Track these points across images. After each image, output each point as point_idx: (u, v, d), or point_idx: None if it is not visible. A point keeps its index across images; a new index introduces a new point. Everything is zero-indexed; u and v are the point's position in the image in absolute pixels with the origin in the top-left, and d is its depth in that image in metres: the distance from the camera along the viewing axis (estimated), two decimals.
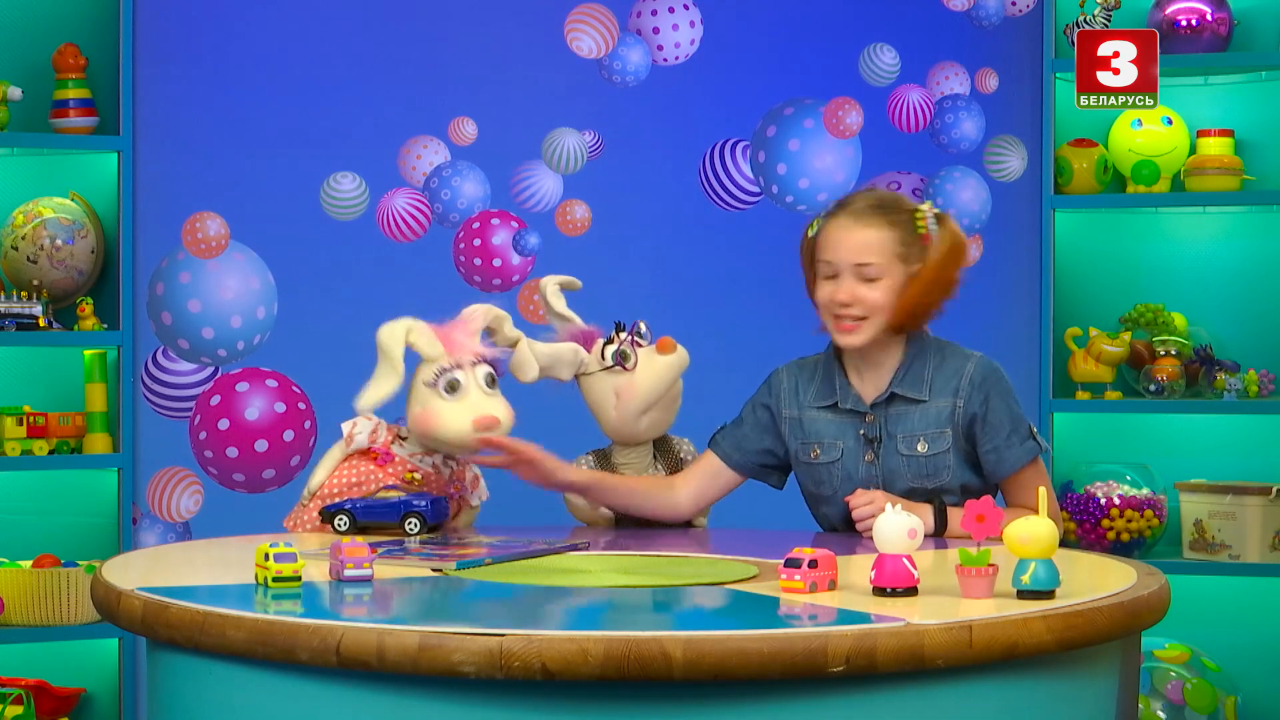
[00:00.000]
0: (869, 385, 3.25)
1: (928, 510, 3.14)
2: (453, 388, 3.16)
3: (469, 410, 3.16)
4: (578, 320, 3.46)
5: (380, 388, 3.15)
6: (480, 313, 3.26)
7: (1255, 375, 4.55)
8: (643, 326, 3.41)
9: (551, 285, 3.48)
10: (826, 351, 3.32)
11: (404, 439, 3.26)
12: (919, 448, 3.19)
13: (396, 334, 3.16)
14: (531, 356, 3.30)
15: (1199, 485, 4.59)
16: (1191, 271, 4.76)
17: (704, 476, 3.36)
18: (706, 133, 4.58)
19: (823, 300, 3.23)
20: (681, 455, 3.47)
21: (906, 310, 3.19)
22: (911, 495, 3.20)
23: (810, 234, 3.27)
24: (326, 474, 3.23)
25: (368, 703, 2.28)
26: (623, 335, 3.38)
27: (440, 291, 4.43)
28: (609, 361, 3.37)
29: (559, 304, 3.47)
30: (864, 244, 3.17)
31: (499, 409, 3.18)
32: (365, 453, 3.24)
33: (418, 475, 3.22)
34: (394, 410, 3.24)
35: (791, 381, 3.33)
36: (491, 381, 3.20)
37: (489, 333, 3.28)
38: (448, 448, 3.21)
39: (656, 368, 3.37)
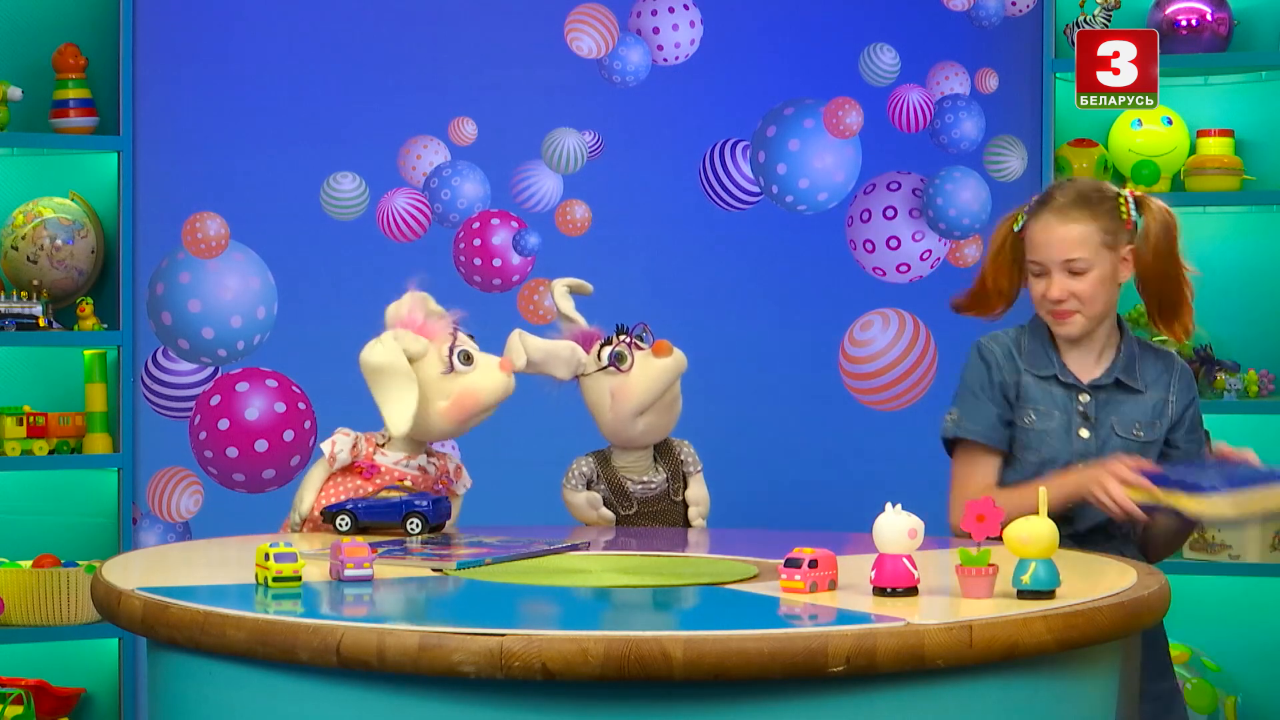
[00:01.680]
0: (1081, 367, 3.31)
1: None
2: (468, 358, 3.19)
3: (489, 366, 3.20)
4: (582, 322, 3.46)
5: (407, 402, 3.13)
6: (419, 301, 3.27)
7: (1255, 375, 4.55)
8: (645, 330, 3.40)
9: (560, 287, 3.49)
10: (1031, 325, 3.34)
11: (382, 446, 3.25)
12: (1136, 433, 3.28)
13: (391, 348, 3.15)
14: (521, 346, 3.30)
15: None
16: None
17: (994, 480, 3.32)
18: (706, 133, 4.58)
19: (1035, 297, 3.29)
20: (681, 457, 3.46)
21: (1158, 308, 3.31)
22: None
23: (1015, 228, 3.31)
24: (314, 495, 3.22)
25: (368, 703, 2.28)
26: (622, 337, 3.38)
27: (440, 291, 4.41)
28: (604, 362, 3.37)
29: (566, 305, 3.47)
30: (1069, 240, 3.23)
31: (497, 356, 3.24)
32: (350, 468, 3.23)
33: (407, 481, 3.22)
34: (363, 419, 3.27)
35: (1004, 349, 3.33)
36: (472, 339, 3.25)
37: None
38: (490, 410, 3.23)
39: (652, 371, 3.36)
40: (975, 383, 3.32)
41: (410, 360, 3.16)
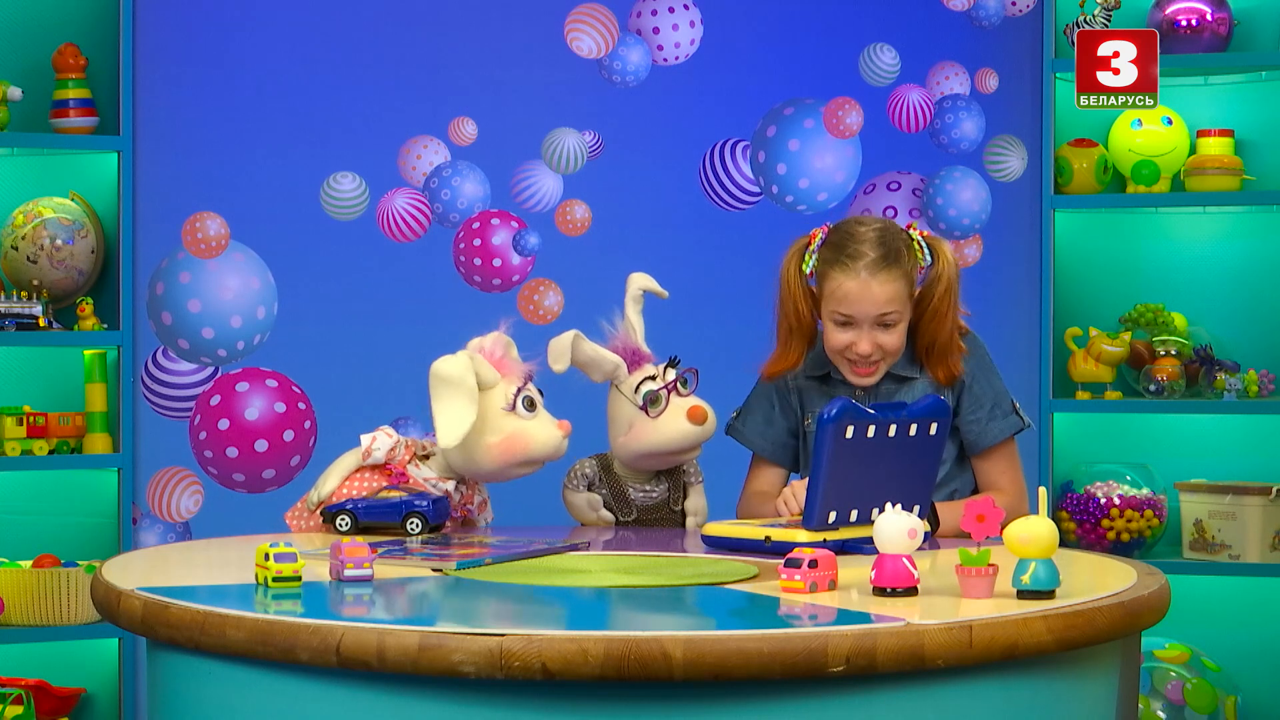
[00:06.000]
0: None
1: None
2: (532, 405, 3.17)
3: (548, 422, 3.18)
4: (639, 336, 3.41)
5: (463, 419, 3.09)
6: (501, 341, 3.23)
7: (1255, 375, 4.55)
8: (694, 376, 3.36)
9: (634, 287, 3.44)
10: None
11: (423, 458, 3.24)
12: None
13: (464, 364, 3.12)
14: (568, 348, 3.28)
15: (1199, 485, 4.59)
16: (1191, 271, 4.76)
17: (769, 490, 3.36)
18: (706, 133, 4.58)
19: (838, 347, 3.24)
20: (684, 468, 3.45)
21: (928, 348, 3.27)
22: None
23: (805, 269, 3.27)
24: (338, 481, 3.21)
25: (368, 703, 2.28)
26: (668, 376, 3.35)
27: (440, 292, 4.43)
28: (638, 400, 3.34)
29: (634, 310, 3.43)
30: (885, 299, 3.19)
31: (559, 419, 3.22)
32: (381, 467, 3.23)
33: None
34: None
35: None
36: (541, 394, 3.23)
37: None
38: (536, 464, 3.20)
39: (677, 428, 3.31)
40: (763, 387, 3.40)
41: (479, 387, 3.15)
